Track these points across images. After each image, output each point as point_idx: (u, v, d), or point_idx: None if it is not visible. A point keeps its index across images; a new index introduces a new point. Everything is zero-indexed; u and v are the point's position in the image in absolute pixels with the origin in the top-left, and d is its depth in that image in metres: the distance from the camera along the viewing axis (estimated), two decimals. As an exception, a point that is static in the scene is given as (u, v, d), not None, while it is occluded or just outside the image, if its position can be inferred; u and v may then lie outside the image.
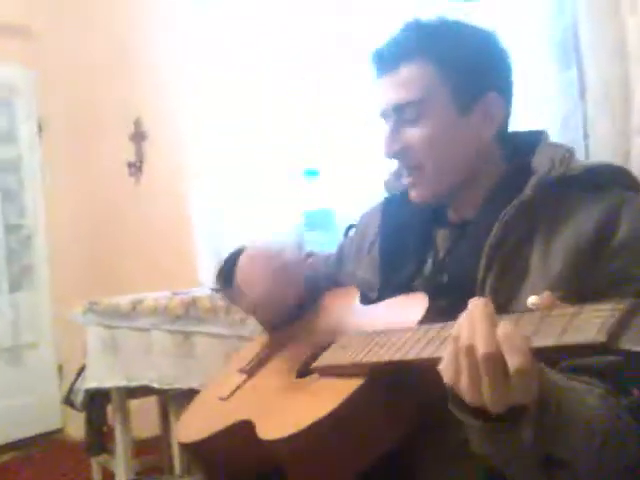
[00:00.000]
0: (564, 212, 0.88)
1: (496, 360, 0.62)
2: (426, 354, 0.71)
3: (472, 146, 0.97)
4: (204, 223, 2.29)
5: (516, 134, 1.02)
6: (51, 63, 3.25)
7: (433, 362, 0.68)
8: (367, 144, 1.87)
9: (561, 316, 0.60)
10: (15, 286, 3.40)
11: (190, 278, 2.34)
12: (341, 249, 1.23)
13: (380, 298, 1.00)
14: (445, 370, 0.67)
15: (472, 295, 0.86)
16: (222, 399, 1.02)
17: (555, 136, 1.46)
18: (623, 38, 1.38)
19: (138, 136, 2.91)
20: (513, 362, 0.61)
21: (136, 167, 2.94)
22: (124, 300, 2.13)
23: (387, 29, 1.01)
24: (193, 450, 1.01)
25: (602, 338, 0.54)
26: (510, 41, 1.03)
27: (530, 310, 0.83)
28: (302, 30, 2.09)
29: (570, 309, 0.60)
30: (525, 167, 0.93)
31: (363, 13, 1.87)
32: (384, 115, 1.00)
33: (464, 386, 0.65)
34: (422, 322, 0.82)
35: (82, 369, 2.38)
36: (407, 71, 0.96)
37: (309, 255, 1.25)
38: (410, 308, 0.87)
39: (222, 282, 1.15)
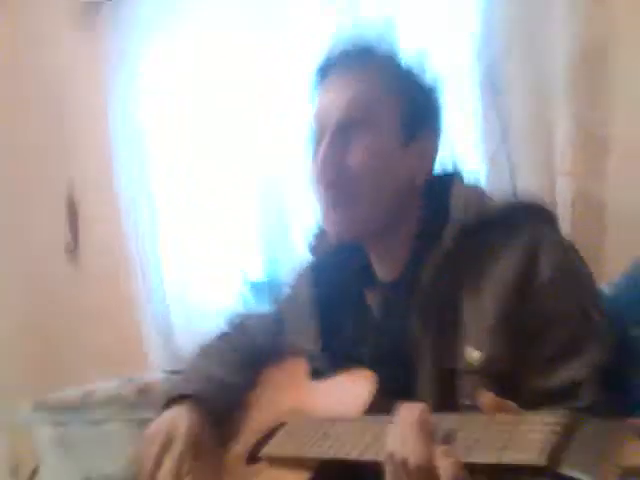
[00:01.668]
0: (486, 259, 0.87)
1: (430, 472, 0.61)
2: (370, 454, 0.71)
3: (405, 183, 0.93)
4: (149, 303, 2.24)
5: (430, 177, 0.98)
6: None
7: (376, 465, 0.68)
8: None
9: (502, 425, 0.60)
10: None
11: (139, 361, 2.27)
12: (279, 313, 1.19)
13: (325, 368, 0.99)
14: None
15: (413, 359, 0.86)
16: None
17: (484, 176, 1.50)
18: (542, 79, 1.43)
19: (71, 216, 2.83)
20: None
21: (72, 249, 2.86)
22: (73, 393, 2.04)
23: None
24: None
25: (543, 462, 0.54)
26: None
27: (473, 371, 0.84)
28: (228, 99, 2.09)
29: (512, 417, 0.60)
30: (442, 214, 0.91)
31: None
32: (319, 135, 0.93)
33: None
34: (370, 404, 0.83)
35: (36, 469, 2.27)
36: (358, 85, 0.91)
37: (244, 322, 1.22)
38: (357, 388, 0.86)
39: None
